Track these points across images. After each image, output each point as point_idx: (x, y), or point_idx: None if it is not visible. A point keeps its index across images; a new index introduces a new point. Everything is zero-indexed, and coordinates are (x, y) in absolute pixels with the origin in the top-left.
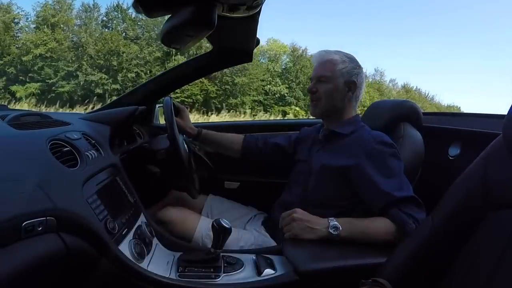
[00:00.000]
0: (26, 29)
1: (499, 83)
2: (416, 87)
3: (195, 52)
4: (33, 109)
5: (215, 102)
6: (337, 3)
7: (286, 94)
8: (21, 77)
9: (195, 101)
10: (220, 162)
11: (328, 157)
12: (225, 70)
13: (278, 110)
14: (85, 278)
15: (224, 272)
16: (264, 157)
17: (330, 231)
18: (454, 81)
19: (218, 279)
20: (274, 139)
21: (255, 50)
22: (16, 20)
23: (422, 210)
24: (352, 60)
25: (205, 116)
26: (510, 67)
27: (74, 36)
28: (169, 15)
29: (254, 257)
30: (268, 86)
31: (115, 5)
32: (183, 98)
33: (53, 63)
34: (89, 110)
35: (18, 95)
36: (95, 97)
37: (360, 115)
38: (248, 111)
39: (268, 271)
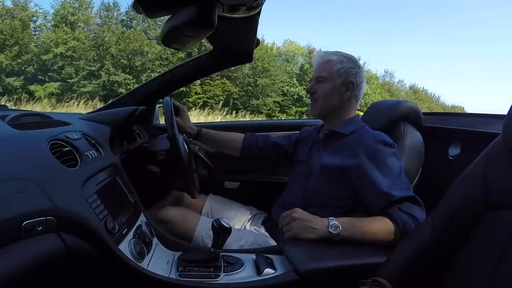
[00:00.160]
0: (44, 27)
1: (501, 83)
2: (423, 87)
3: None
4: (55, 111)
5: (237, 103)
6: (351, 6)
7: (304, 95)
8: (40, 76)
9: (217, 101)
10: (220, 162)
11: (329, 157)
12: (247, 71)
13: (296, 111)
14: (85, 278)
15: (224, 272)
16: (264, 156)
17: (330, 230)
18: (458, 81)
19: (218, 279)
20: (275, 138)
21: (274, 52)
22: (34, 18)
23: (422, 210)
24: (350, 60)
25: (227, 116)
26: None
27: (95, 35)
28: (169, 15)
29: (254, 257)
30: (286, 87)
31: None
32: (205, 99)
33: (74, 62)
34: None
35: (37, 94)
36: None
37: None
38: (266, 111)
39: (268, 271)
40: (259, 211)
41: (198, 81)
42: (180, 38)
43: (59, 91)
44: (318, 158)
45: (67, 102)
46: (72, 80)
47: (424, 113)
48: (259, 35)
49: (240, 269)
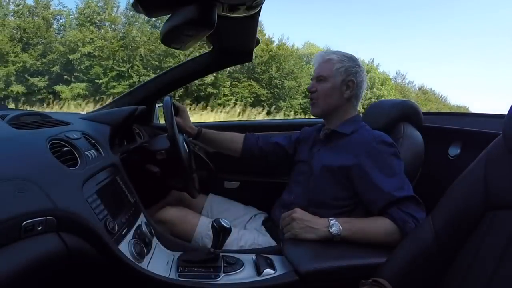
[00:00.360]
0: (68, 26)
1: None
2: (431, 88)
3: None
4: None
5: (265, 105)
6: (366, 12)
7: None
8: (65, 77)
9: (245, 103)
10: (220, 162)
11: (329, 156)
12: (273, 73)
13: None
14: (85, 278)
15: (224, 272)
16: (265, 156)
17: (330, 230)
18: (462, 81)
19: (218, 279)
20: (275, 138)
21: (295, 53)
22: (58, 17)
23: (422, 210)
24: (350, 59)
25: (252, 117)
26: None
27: (123, 35)
28: (169, 15)
29: (254, 257)
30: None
31: None
32: (234, 101)
33: (102, 63)
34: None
35: (63, 95)
36: None
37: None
38: (284, 111)
39: (268, 271)
40: (259, 211)
41: (228, 83)
42: (180, 37)
43: (86, 92)
44: (318, 158)
45: (99, 102)
46: (101, 81)
47: (424, 113)
48: (280, 36)
49: (240, 269)
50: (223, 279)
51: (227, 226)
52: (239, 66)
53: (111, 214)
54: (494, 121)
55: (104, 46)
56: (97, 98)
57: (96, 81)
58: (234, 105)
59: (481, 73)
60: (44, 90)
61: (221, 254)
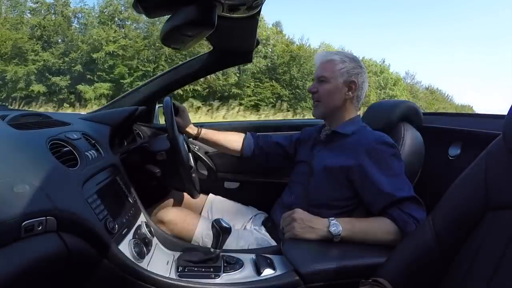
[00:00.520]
0: (90, 24)
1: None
2: (437, 88)
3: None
4: None
5: (287, 105)
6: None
7: None
8: (88, 76)
9: (268, 103)
10: (220, 162)
11: (330, 157)
12: (295, 74)
13: None
14: (85, 278)
15: (224, 272)
16: (265, 156)
17: (331, 231)
18: (465, 80)
19: (218, 279)
20: (275, 138)
21: (314, 54)
22: (78, 15)
23: (422, 210)
24: (352, 60)
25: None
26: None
27: (147, 34)
28: (169, 15)
29: (254, 257)
30: None
31: None
32: (256, 101)
33: (127, 62)
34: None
35: (87, 96)
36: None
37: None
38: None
39: (268, 271)
40: (259, 211)
41: (253, 84)
42: (180, 38)
43: (110, 92)
44: (319, 158)
45: None
46: (125, 81)
47: (424, 113)
48: (299, 36)
49: (240, 269)
50: (223, 279)
51: (227, 226)
52: (261, 66)
53: (111, 214)
54: (494, 121)
55: (128, 45)
56: None
57: (120, 81)
58: (256, 105)
59: (485, 72)
60: (65, 90)
61: (221, 254)
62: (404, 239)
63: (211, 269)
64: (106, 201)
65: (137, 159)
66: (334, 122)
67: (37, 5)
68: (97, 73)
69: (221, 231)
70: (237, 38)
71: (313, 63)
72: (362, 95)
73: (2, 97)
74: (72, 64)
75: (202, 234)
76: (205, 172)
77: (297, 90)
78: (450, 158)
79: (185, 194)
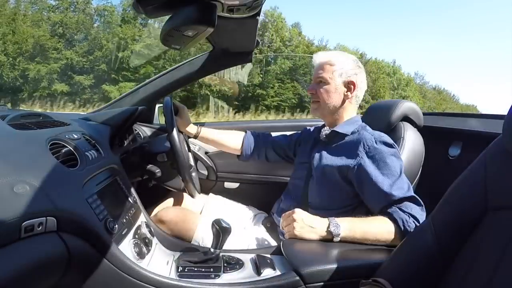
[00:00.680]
0: (114, 23)
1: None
2: (444, 88)
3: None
4: None
5: (308, 106)
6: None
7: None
8: (113, 75)
9: (290, 104)
10: (220, 162)
11: (329, 157)
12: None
13: None
14: (85, 278)
15: (223, 272)
16: (265, 155)
17: (331, 230)
18: (469, 80)
19: (218, 279)
20: (275, 138)
21: None
22: (101, 13)
23: (422, 210)
24: (351, 60)
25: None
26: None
27: None
28: (169, 15)
29: (254, 257)
30: None
31: None
32: (279, 102)
33: (153, 62)
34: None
35: (111, 95)
36: (199, 99)
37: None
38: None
39: (268, 271)
40: (259, 211)
41: (276, 85)
42: (180, 38)
43: None
44: (319, 158)
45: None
46: None
47: (424, 113)
48: (319, 38)
49: (240, 269)
50: (223, 279)
51: (227, 226)
52: (284, 67)
53: (111, 215)
54: (494, 121)
55: (153, 44)
56: None
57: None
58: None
59: (489, 72)
60: (89, 89)
61: (221, 254)
62: (404, 239)
63: (211, 269)
64: (106, 201)
65: (137, 159)
66: (334, 122)
67: (58, 2)
68: (122, 73)
69: (221, 231)
70: (237, 38)
71: None
72: (361, 95)
73: (23, 96)
74: (97, 63)
75: (202, 234)
76: (205, 172)
77: None
78: (450, 158)
79: (185, 194)
